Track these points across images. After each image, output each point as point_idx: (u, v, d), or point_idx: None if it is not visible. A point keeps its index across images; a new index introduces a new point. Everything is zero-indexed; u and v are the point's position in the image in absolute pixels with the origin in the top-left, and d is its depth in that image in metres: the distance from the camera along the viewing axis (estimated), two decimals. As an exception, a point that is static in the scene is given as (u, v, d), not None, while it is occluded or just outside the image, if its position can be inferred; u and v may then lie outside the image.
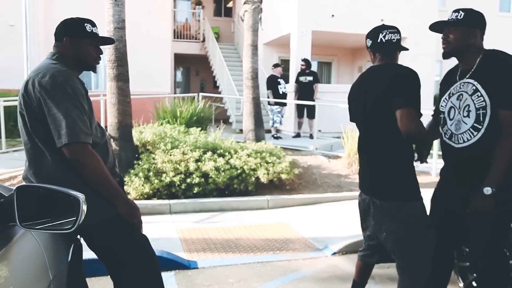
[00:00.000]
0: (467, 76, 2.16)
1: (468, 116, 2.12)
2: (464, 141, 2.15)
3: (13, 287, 1.19)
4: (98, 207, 1.64)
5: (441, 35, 2.23)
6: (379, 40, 2.27)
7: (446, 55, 2.23)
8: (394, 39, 2.24)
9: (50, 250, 1.55)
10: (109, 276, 2.03)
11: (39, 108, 1.79)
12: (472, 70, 2.14)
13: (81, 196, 1.25)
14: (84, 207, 1.25)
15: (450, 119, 2.23)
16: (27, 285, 1.28)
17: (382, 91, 2.16)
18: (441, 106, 2.32)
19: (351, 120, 2.48)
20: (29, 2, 5.97)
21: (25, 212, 1.25)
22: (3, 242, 1.25)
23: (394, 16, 11.47)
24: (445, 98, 2.29)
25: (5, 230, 1.29)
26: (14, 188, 1.31)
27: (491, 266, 2.15)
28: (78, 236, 2.06)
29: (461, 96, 2.17)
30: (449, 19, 2.16)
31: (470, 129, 2.11)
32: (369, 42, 2.33)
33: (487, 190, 2.00)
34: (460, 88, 2.19)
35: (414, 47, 11.72)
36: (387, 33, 2.26)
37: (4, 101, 7.84)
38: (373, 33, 2.30)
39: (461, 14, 2.12)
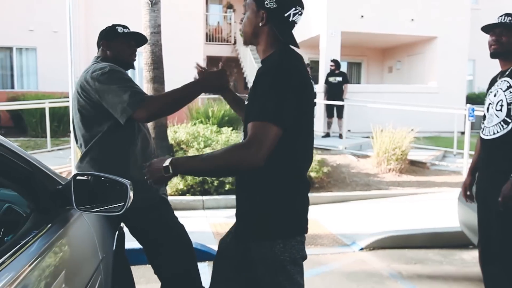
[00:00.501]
0: (505, 75, 2.26)
1: (500, 110, 2.22)
2: (494, 133, 2.24)
3: (73, 260, 1.35)
4: (142, 192, 1.78)
5: (474, 35, 2.30)
6: None
7: (495, 55, 2.29)
8: None
9: (99, 234, 1.71)
10: (148, 265, 2.18)
11: (97, 99, 1.97)
12: (510, 69, 2.24)
13: (128, 183, 1.39)
14: (131, 193, 1.38)
15: (488, 114, 2.32)
16: (83, 260, 1.44)
17: None
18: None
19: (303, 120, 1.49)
20: (72, 10, 6.29)
21: (80, 197, 1.40)
22: (63, 223, 1.41)
23: (424, 16, 11.30)
24: (486, 98, 2.39)
25: (64, 212, 1.45)
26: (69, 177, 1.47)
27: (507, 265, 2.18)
28: (122, 224, 2.22)
29: (497, 93, 2.28)
30: (503, 21, 2.22)
31: (501, 122, 2.21)
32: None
33: None
34: (497, 86, 2.30)
35: (445, 46, 11.54)
36: None
37: (49, 102, 8.26)
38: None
39: None
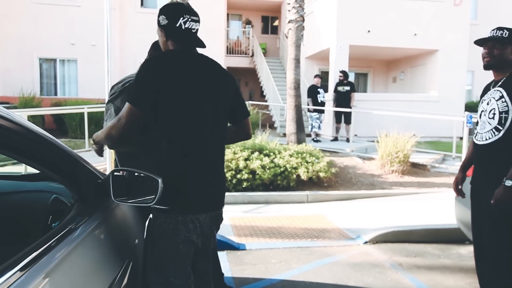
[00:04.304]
0: (498, 85, 2.22)
1: (493, 118, 2.18)
2: (486, 139, 2.21)
3: (110, 245, 1.41)
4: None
5: (473, 48, 2.27)
6: None
7: (488, 67, 2.24)
8: None
9: (132, 222, 1.77)
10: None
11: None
12: (503, 80, 2.20)
13: (159, 178, 1.43)
14: (161, 187, 1.43)
15: (480, 121, 2.29)
16: (119, 245, 1.50)
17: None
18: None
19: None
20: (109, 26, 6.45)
21: (117, 190, 1.45)
22: (102, 212, 1.47)
23: (426, 30, 11.17)
24: (480, 105, 2.36)
25: (103, 203, 1.51)
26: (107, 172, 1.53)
27: (503, 255, 2.15)
28: (151, 216, 2.28)
29: (490, 102, 2.24)
30: (494, 35, 2.18)
31: (493, 129, 2.17)
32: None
33: (508, 182, 2.03)
34: (490, 95, 2.26)
35: (446, 59, 11.39)
36: None
37: (88, 108, 8.45)
38: None
39: (505, 33, 2.16)
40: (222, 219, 1.77)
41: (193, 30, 1.60)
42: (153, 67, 1.53)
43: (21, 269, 0.88)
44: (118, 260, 1.43)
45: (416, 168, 7.26)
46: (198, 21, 1.61)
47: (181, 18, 1.58)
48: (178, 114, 1.53)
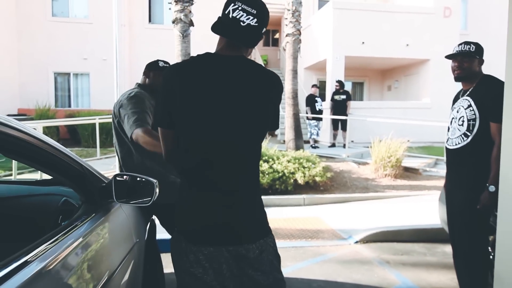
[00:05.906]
0: (466, 94, 2.32)
1: (462, 125, 2.29)
2: (456, 144, 2.32)
3: (112, 240, 1.53)
4: (165, 191, 1.91)
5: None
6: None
7: (459, 79, 2.35)
8: None
9: (134, 222, 1.89)
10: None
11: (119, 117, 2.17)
12: (470, 90, 2.30)
13: (155, 181, 1.56)
14: (157, 190, 1.55)
15: (451, 128, 2.38)
16: (120, 240, 1.62)
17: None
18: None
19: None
20: (118, 41, 6.64)
21: (119, 192, 1.58)
22: (106, 211, 1.59)
23: (418, 41, 11.29)
24: (450, 112, 2.46)
25: (107, 204, 1.64)
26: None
27: (472, 250, 2.24)
28: (154, 217, 2.39)
29: (459, 110, 2.34)
30: (463, 50, 2.28)
31: (462, 135, 2.28)
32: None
33: (492, 188, 2.11)
34: (460, 103, 2.36)
35: (437, 68, 11.48)
36: None
37: (99, 118, 8.63)
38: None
39: (472, 47, 2.26)
40: (263, 260, 1.31)
41: (242, 23, 1.25)
42: (164, 84, 1.28)
43: (32, 257, 1.01)
44: (118, 255, 1.56)
45: (409, 172, 7.33)
46: (253, 15, 1.25)
47: (232, 5, 1.26)
48: (189, 134, 1.26)
